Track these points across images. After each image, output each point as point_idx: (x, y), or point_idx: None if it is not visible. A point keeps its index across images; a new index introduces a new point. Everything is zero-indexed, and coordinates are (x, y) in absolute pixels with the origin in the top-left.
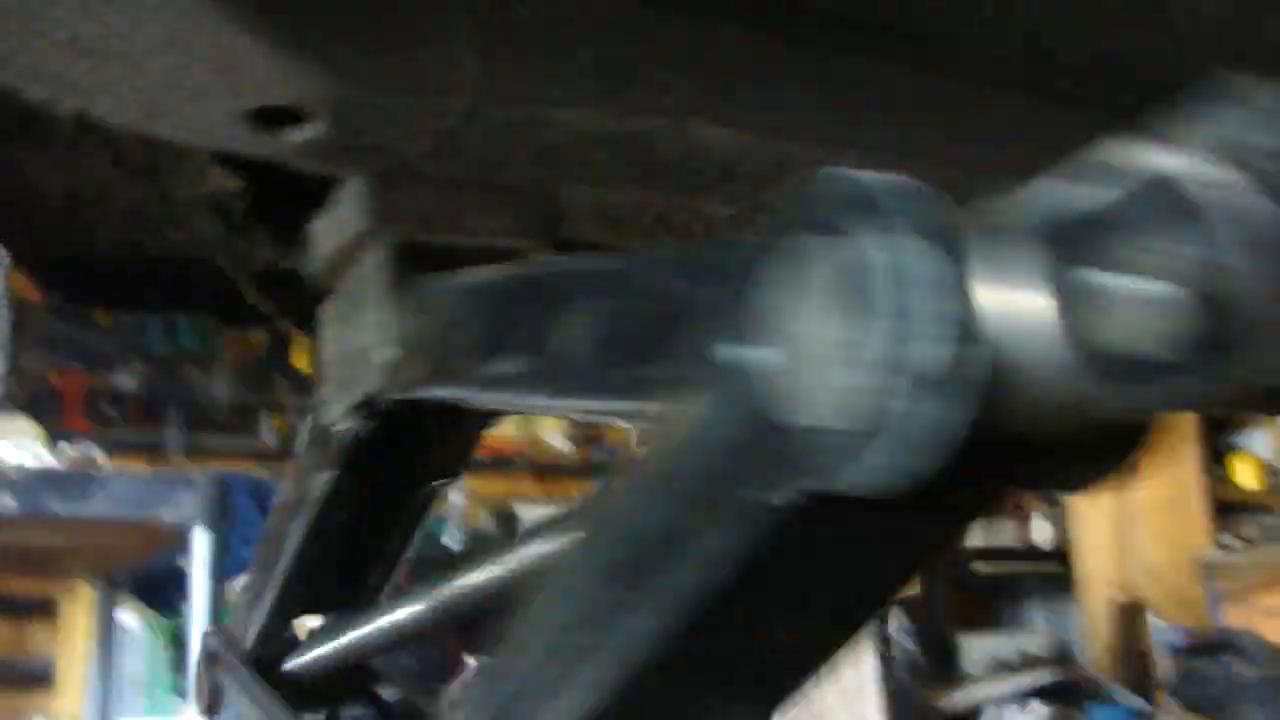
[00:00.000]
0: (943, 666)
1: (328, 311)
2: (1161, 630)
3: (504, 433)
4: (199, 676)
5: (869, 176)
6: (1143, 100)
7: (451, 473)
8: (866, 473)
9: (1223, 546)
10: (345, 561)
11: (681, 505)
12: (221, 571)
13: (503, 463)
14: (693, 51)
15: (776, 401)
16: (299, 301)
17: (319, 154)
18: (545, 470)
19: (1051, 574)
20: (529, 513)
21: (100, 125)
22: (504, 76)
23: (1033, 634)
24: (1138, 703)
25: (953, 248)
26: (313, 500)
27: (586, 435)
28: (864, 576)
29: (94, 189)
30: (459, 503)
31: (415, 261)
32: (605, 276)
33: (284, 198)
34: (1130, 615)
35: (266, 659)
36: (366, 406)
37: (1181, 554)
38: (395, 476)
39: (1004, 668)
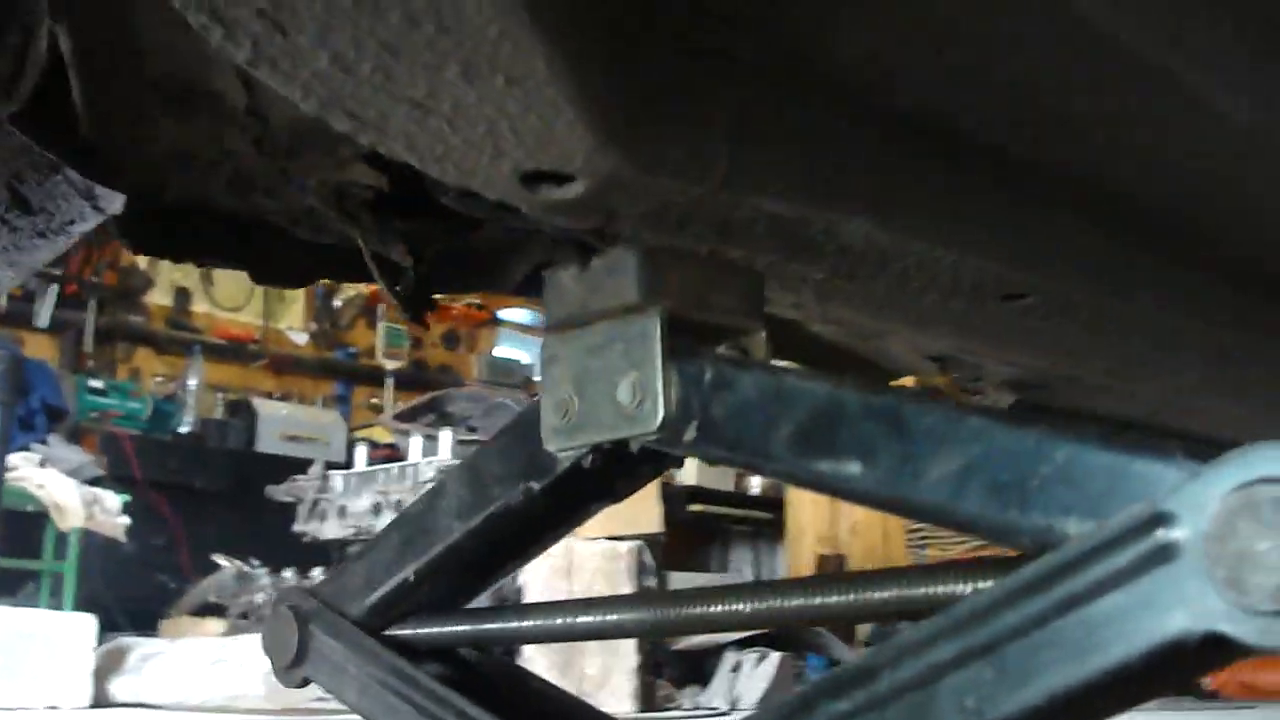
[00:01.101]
0: None
1: (560, 347)
2: None
3: (243, 320)
4: (280, 630)
5: None
6: None
7: (614, 501)
8: None
9: None
10: (492, 559)
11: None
12: None
13: (240, 352)
14: (876, 166)
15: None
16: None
17: (570, 212)
18: (283, 364)
19: (762, 521)
20: (264, 407)
21: (262, 112)
22: (743, 169)
23: (735, 572)
24: (847, 654)
25: None
26: (497, 504)
27: (328, 336)
28: None
29: (215, 154)
30: (193, 387)
31: (675, 332)
32: (970, 431)
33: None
34: (835, 569)
35: (373, 627)
36: (601, 447)
37: (888, 518)
38: (579, 503)
39: None
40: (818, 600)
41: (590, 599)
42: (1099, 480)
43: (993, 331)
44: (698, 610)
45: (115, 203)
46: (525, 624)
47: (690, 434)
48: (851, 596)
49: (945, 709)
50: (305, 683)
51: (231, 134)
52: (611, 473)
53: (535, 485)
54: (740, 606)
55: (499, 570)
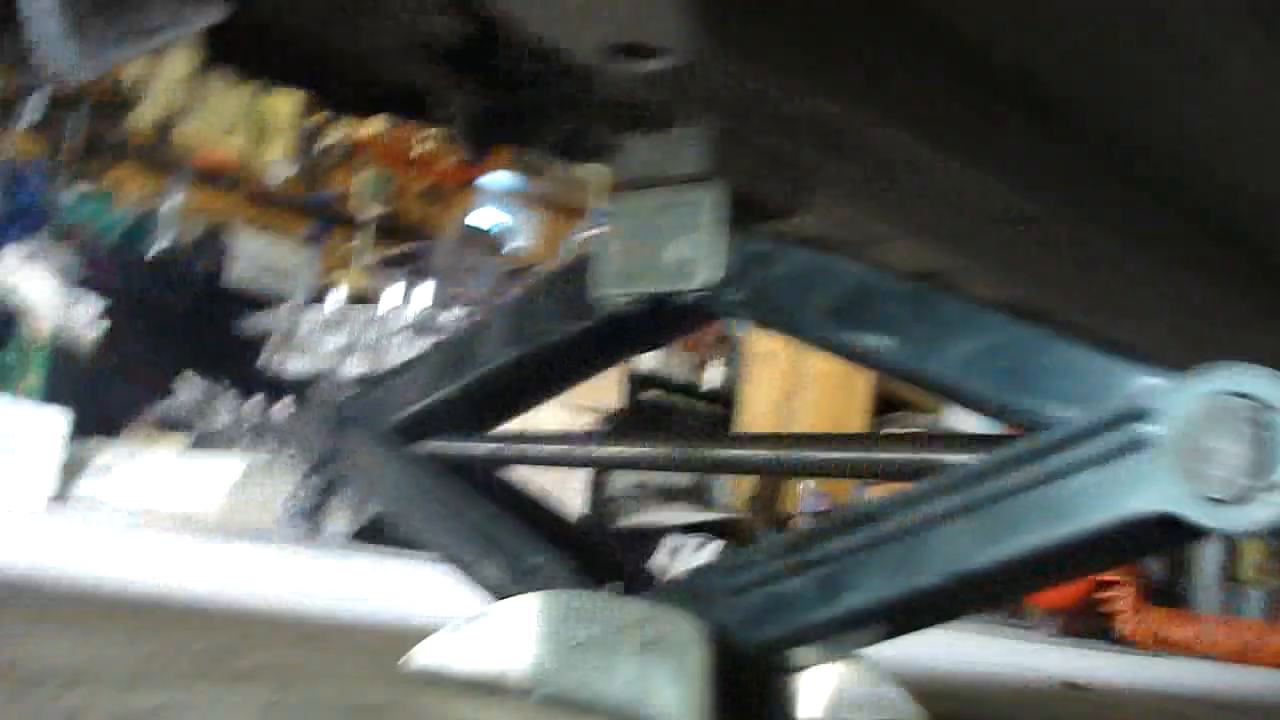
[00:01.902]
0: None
1: (626, 204)
2: (808, 495)
3: (228, 146)
4: (313, 430)
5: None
6: None
7: (648, 350)
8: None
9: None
10: (524, 390)
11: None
12: None
13: (220, 179)
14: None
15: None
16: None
17: (647, 84)
18: (262, 197)
19: (715, 416)
20: (241, 236)
21: None
22: (808, 66)
23: None
24: None
25: None
26: (545, 338)
27: (311, 175)
28: None
29: None
30: (171, 210)
31: (735, 204)
32: (984, 322)
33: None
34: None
35: (403, 438)
36: (652, 298)
37: (838, 426)
38: (615, 348)
39: (647, 491)
40: (833, 454)
41: (611, 432)
42: (1090, 376)
43: (990, 253)
44: (707, 452)
45: (215, 13)
46: (547, 449)
47: (737, 295)
48: (862, 454)
49: (933, 554)
50: (329, 482)
51: None
52: (647, 325)
53: (579, 325)
54: (754, 452)
55: (528, 401)
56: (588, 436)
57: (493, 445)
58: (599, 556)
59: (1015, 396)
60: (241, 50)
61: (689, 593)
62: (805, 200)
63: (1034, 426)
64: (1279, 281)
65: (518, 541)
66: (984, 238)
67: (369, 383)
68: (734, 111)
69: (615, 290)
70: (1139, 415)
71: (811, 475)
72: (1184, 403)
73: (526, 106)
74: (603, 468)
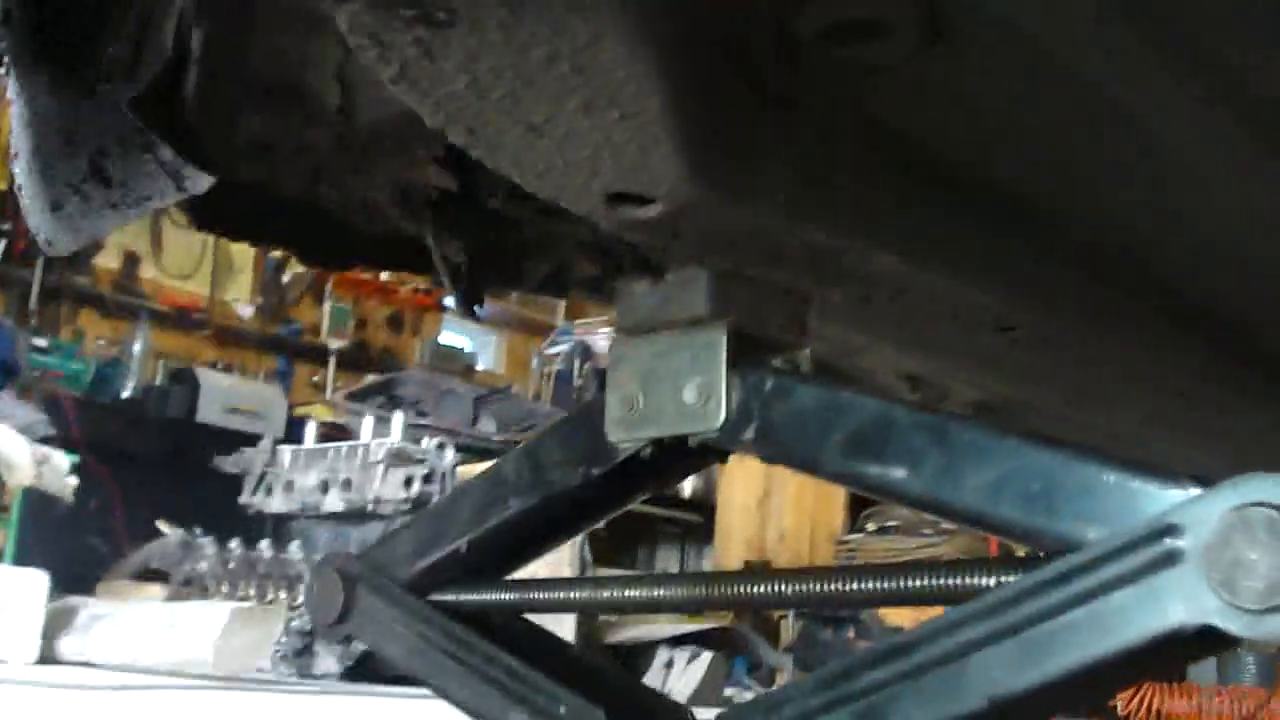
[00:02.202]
0: None
1: (629, 348)
2: None
3: (190, 288)
4: (325, 589)
5: None
6: None
7: (659, 491)
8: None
9: (859, 530)
10: (538, 536)
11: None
12: None
13: (185, 320)
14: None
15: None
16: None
17: (644, 229)
18: (227, 335)
19: (691, 524)
20: (207, 377)
21: (351, 112)
22: (798, 203)
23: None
24: (772, 656)
25: None
26: (555, 487)
27: (275, 310)
28: None
29: (296, 146)
30: (137, 354)
31: (738, 344)
32: (1004, 448)
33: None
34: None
35: (419, 591)
36: (662, 441)
37: (817, 527)
38: (628, 491)
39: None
40: (860, 585)
41: (635, 575)
42: (1116, 495)
43: (974, 358)
44: (736, 589)
45: (200, 184)
46: (571, 595)
47: (749, 434)
48: (890, 585)
49: (974, 680)
50: (347, 640)
51: (315, 130)
52: (662, 466)
53: (594, 471)
54: (780, 588)
55: (542, 546)
56: (596, 581)
57: (508, 593)
58: (628, 699)
59: (1041, 520)
60: (225, 215)
61: None
62: (803, 330)
63: (1063, 550)
64: (1261, 364)
65: (541, 691)
66: (967, 343)
67: (381, 539)
68: (727, 249)
69: (628, 435)
70: (1169, 531)
71: (842, 607)
72: (1213, 516)
73: (510, 247)
74: (611, 612)
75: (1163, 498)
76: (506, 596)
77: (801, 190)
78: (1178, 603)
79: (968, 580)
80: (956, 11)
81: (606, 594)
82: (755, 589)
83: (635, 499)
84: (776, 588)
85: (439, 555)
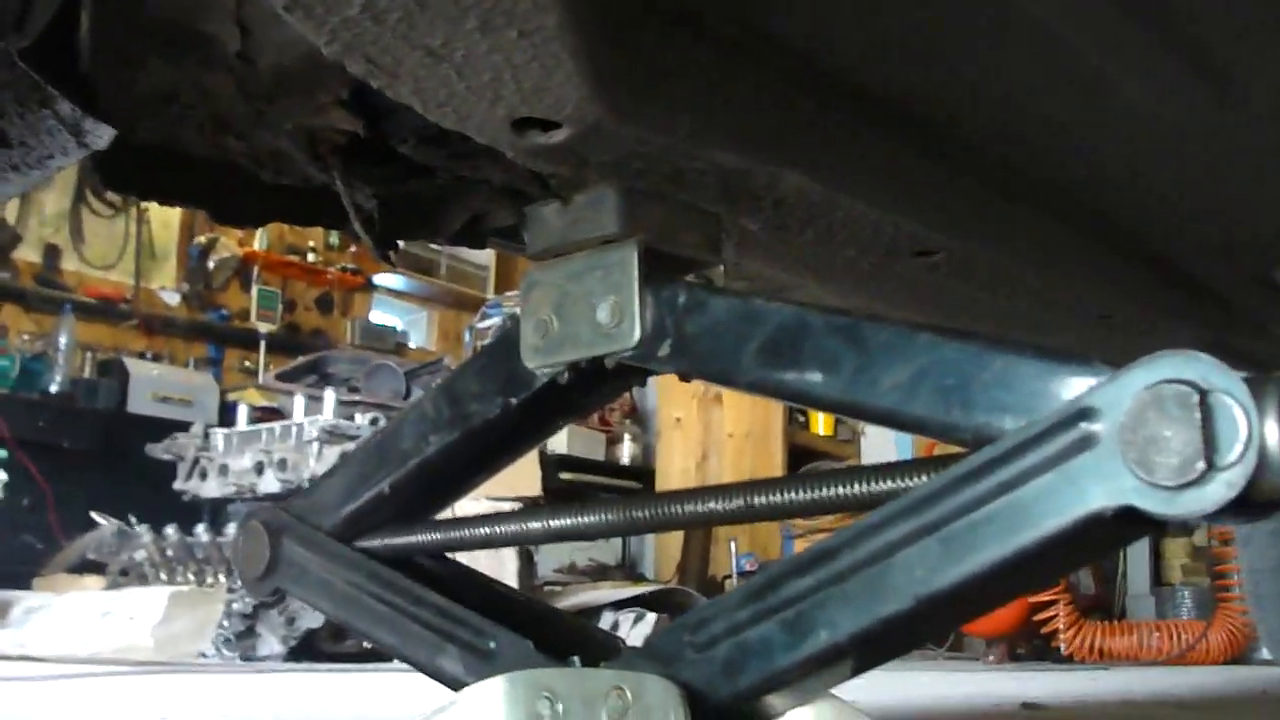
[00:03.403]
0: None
1: (541, 274)
2: (736, 556)
3: (114, 279)
4: (251, 544)
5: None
6: None
7: (580, 417)
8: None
9: None
10: (463, 473)
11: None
12: None
13: (110, 311)
14: (814, 128)
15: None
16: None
17: (550, 156)
18: (154, 324)
19: (631, 491)
20: (136, 367)
21: (251, 56)
22: (703, 125)
23: (604, 544)
24: None
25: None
26: (474, 419)
27: (201, 297)
28: None
29: (197, 95)
30: (64, 346)
31: (649, 261)
32: (915, 345)
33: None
34: (707, 538)
35: (345, 538)
36: (578, 365)
37: None
38: (548, 418)
39: (576, 573)
40: (786, 496)
41: (553, 505)
42: (1030, 384)
43: (898, 287)
44: (662, 509)
45: (102, 139)
46: (493, 529)
47: (664, 350)
48: (816, 493)
49: (898, 580)
50: (276, 593)
51: (216, 77)
52: (581, 389)
53: (513, 400)
54: (708, 505)
55: (467, 483)
56: (522, 514)
57: (429, 534)
58: (556, 630)
59: (957, 415)
60: (128, 173)
61: (656, 655)
62: (716, 249)
63: (981, 442)
64: (1176, 284)
65: (470, 628)
66: (890, 272)
67: (305, 489)
68: (635, 175)
69: (545, 361)
70: (1083, 414)
71: (771, 519)
72: (1126, 396)
73: (424, 196)
74: (542, 542)
75: (1076, 382)
76: (431, 537)
77: (707, 111)
78: (1096, 485)
79: (892, 483)
80: None
81: (534, 524)
82: (681, 508)
83: (556, 426)
84: (704, 505)
85: (363, 500)
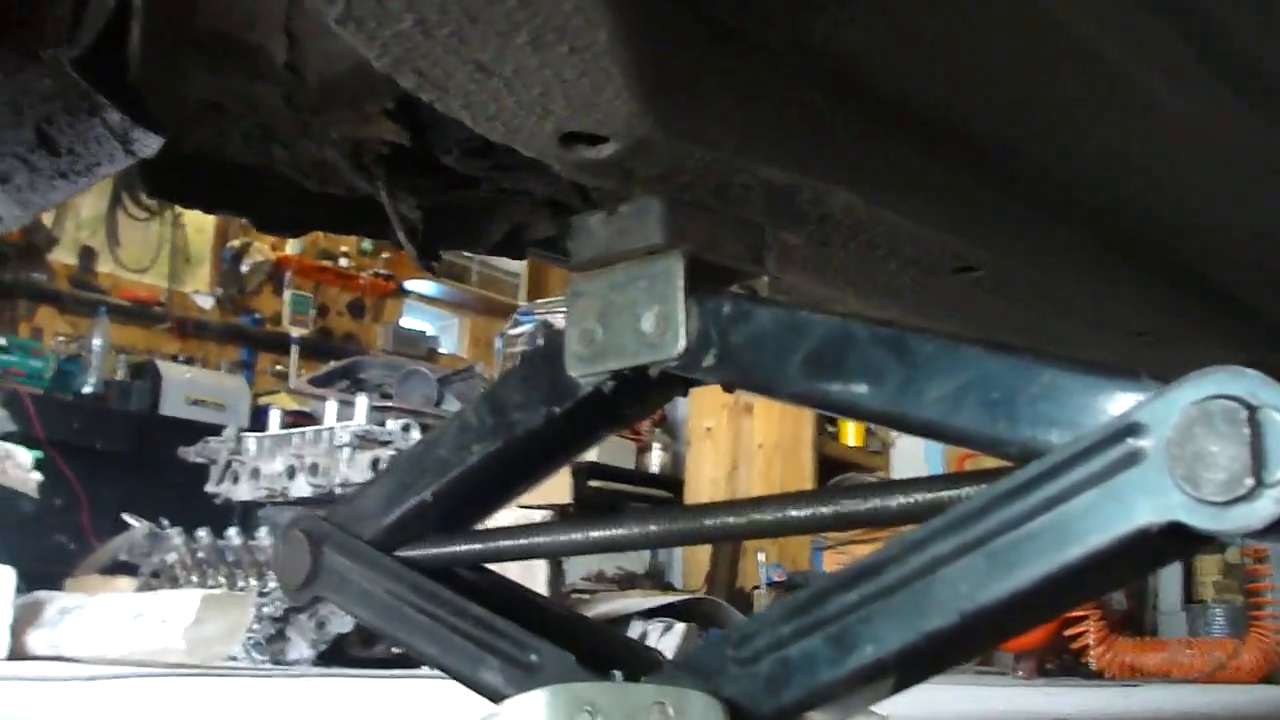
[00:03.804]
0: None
1: (586, 284)
2: (764, 566)
3: (148, 281)
4: (293, 552)
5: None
6: None
7: (624, 426)
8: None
9: None
10: (504, 483)
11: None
12: None
13: (144, 313)
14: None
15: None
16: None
17: (597, 170)
18: (188, 327)
19: (661, 500)
20: (169, 370)
21: (299, 67)
22: (750, 139)
23: (633, 553)
24: None
25: None
26: (518, 429)
27: (235, 301)
28: None
29: (244, 105)
30: (98, 348)
31: (694, 272)
32: (963, 358)
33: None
34: (736, 549)
35: (386, 547)
36: (622, 374)
37: None
38: (592, 427)
39: (604, 581)
40: (830, 509)
41: (590, 517)
42: (1077, 398)
43: (938, 302)
44: (703, 522)
45: (149, 147)
46: (533, 540)
47: (709, 360)
48: (860, 505)
49: (944, 595)
50: (314, 601)
51: (263, 87)
52: (624, 399)
53: (557, 409)
54: (751, 517)
55: (509, 493)
56: (560, 525)
57: (470, 545)
58: (598, 644)
59: (1003, 428)
60: (174, 181)
61: (698, 669)
62: (760, 259)
63: (1027, 456)
64: (1216, 303)
65: (511, 639)
66: (930, 287)
67: (348, 497)
68: (682, 186)
69: (589, 370)
70: (1130, 430)
71: (814, 531)
72: (1173, 411)
73: (467, 207)
74: (581, 553)
75: (1123, 397)
76: (472, 547)
77: (755, 127)
78: (1143, 501)
79: (936, 495)
80: None
81: (573, 536)
82: (724, 520)
83: (599, 436)
84: (747, 517)
85: (405, 510)
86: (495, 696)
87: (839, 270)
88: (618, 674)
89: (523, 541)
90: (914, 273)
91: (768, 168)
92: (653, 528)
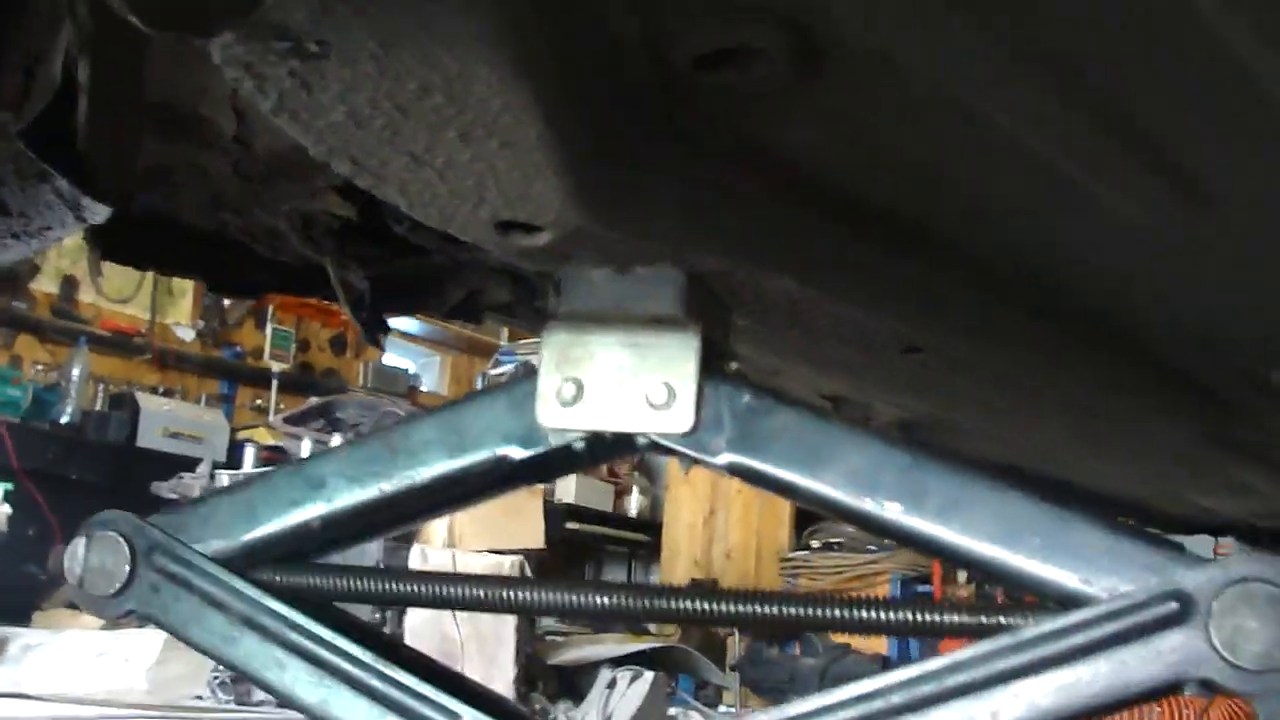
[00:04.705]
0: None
1: (574, 335)
2: None
3: (129, 312)
4: (105, 555)
5: None
6: None
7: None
8: None
9: (804, 547)
10: (405, 516)
11: None
12: None
13: (125, 344)
14: (800, 236)
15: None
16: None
17: (534, 256)
18: (168, 359)
19: (638, 543)
20: (147, 401)
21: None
22: (686, 230)
23: None
24: (715, 676)
25: None
26: (467, 462)
27: (216, 334)
28: None
29: (193, 174)
30: (76, 378)
31: (707, 351)
32: (1015, 500)
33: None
34: None
35: (236, 566)
36: (603, 435)
37: (763, 545)
38: (543, 476)
39: (580, 623)
40: (860, 615)
41: (491, 576)
42: (1122, 556)
43: (888, 379)
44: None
45: (99, 214)
46: (415, 588)
47: (717, 443)
48: (899, 617)
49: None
50: (128, 614)
51: (212, 157)
52: (591, 456)
53: (518, 455)
54: (706, 606)
55: (409, 522)
56: (471, 578)
57: (353, 581)
58: (493, 710)
59: (1047, 570)
60: (128, 245)
61: None
62: (728, 338)
63: (1066, 601)
64: (1169, 381)
65: (431, 704)
66: (877, 365)
67: (188, 503)
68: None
69: (566, 424)
70: (1177, 595)
71: (760, 626)
72: (1217, 587)
73: (421, 274)
74: (489, 610)
75: (1164, 562)
76: (346, 582)
77: (688, 216)
78: (1181, 659)
79: (988, 620)
80: (829, 42)
81: (481, 591)
82: (682, 603)
83: (555, 477)
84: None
85: (279, 528)
86: None
87: (786, 347)
88: None
89: (407, 587)
90: (861, 352)
91: (702, 256)
92: (549, 596)
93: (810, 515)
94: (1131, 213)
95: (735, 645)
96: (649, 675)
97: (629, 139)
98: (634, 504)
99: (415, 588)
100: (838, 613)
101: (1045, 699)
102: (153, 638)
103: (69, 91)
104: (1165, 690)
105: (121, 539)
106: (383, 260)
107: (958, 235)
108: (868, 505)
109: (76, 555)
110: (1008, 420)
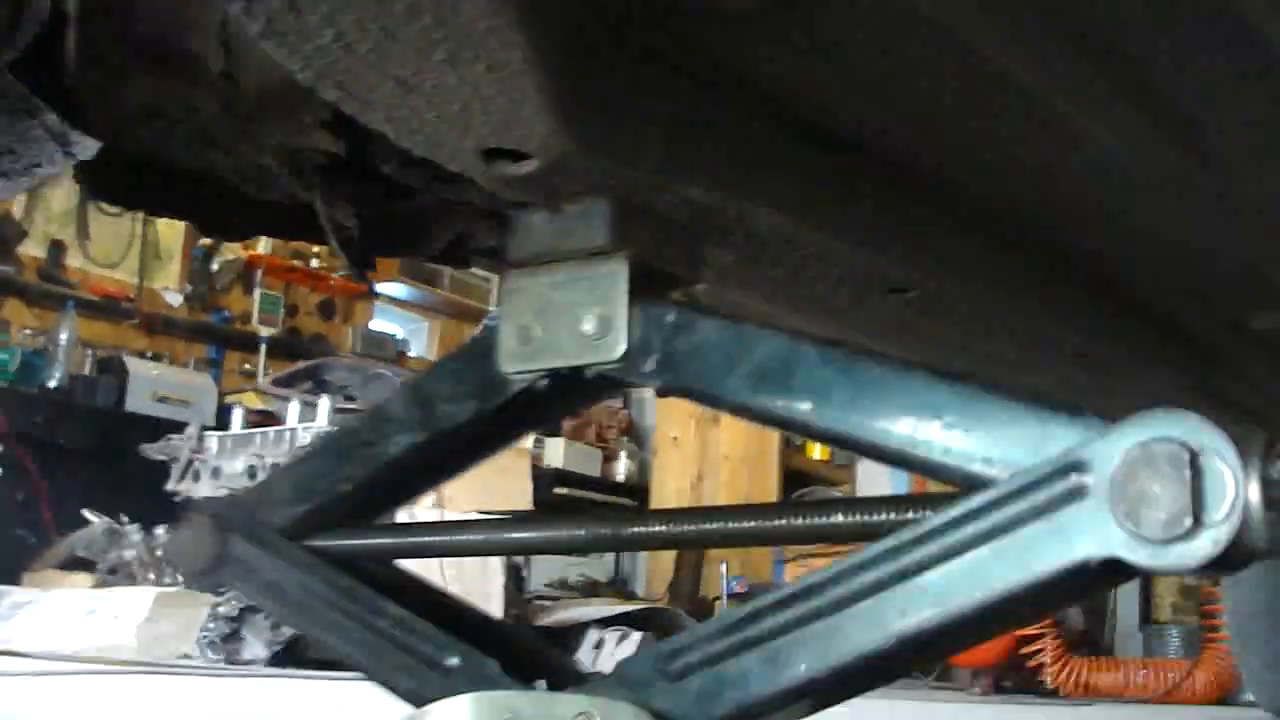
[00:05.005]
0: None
1: (524, 281)
2: (726, 578)
3: (118, 277)
4: (197, 537)
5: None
6: None
7: (549, 424)
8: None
9: None
10: (423, 476)
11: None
12: None
13: (113, 309)
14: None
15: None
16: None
17: (520, 185)
18: (156, 324)
19: (626, 509)
20: (136, 366)
21: (235, 75)
22: (673, 159)
23: (597, 560)
24: None
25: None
26: (443, 422)
27: (204, 298)
28: None
29: (182, 111)
30: (64, 342)
31: (637, 276)
32: (919, 386)
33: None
34: (699, 558)
35: (296, 536)
36: (557, 373)
37: None
38: (518, 425)
39: (566, 588)
40: (772, 523)
41: (506, 517)
42: (1023, 431)
43: (874, 322)
44: (619, 531)
45: (88, 150)
46: (452, 538)
47: (649, 365)
48: (802, 522)
49: (882, 618)
50: (218, 589)
51: (201, 93)
52: (555, 398)
53: (486, 405)
54: (690, 526)
55: (426, 487)
56: (499, 523)
57: (386, 538)
58: (521, 652)
59: (948, 456)
60: (117, 184)
61: (626, 681)
62: (698, 266)
63: (970, 484)
64: (1152, 326)
65: (431, 641)
66: (867, 307)
67: (258, 484)
68: (615, 196)
69: (523, 367)
70: (1076, 466)
71: (754, 544)
72: (1118, 451)
73: (407, 215)
74: (505, 554)
75: (1068, 434)
76: (390, 540)
77: (679, 147)
78: (1085, 536)
79: (877, 517)
80: None
81: (498, 536)
82: (662, 527)
83: (526, 433)
84: (688, 526)
85: (318, 498)
86: (412, 699)
87: (776, 288)
88: (541, 683)
89: (443, 538)
90: (847, 293)
91: (691, 187)
92: (580, 531)
93: (797, 480)
94: (1119, 146)
95: (722, 608)
96: (636, 636)
97: (617, 67)
98: (622, 468)
99: (467, 536)
100: (751, 523)
101: (953, 591)
102: (143, 596)
103: (57, 24)
104: (1075, 572)
105: (209, 520)
106: (370, 200)
107: (941, 168)
108: (779, 406)
109: (176, 537)
110: (995, 368)
